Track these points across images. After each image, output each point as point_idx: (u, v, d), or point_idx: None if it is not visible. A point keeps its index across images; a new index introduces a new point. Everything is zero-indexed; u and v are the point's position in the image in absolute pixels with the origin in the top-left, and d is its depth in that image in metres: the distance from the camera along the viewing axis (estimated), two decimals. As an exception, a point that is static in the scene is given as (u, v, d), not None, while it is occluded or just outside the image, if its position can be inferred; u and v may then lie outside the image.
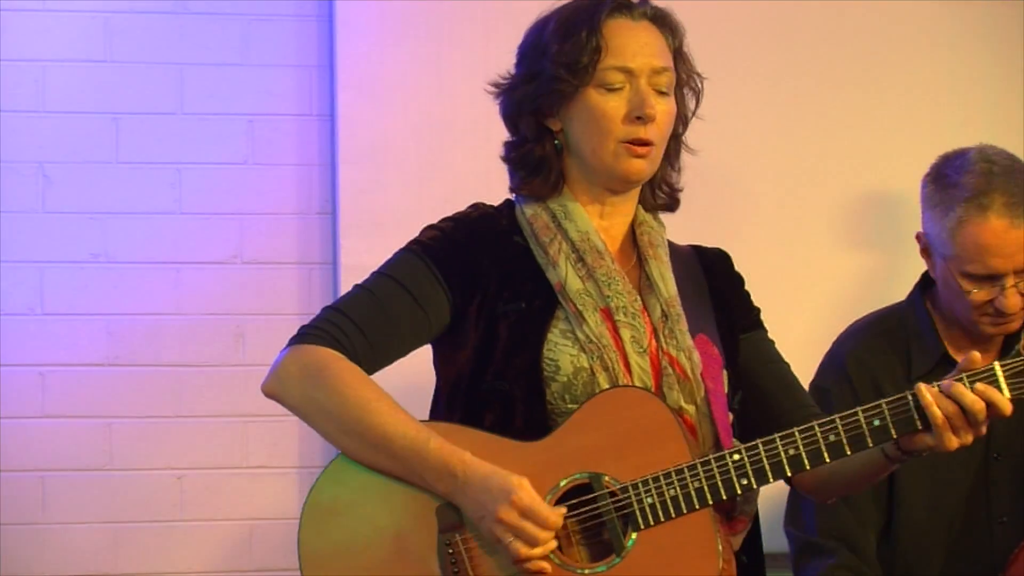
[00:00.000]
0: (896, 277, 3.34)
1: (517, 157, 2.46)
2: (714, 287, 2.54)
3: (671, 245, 2.53)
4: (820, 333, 3.25)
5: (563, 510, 2.22)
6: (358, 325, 2.37)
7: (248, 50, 3.88)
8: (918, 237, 3.03)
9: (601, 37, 2.38)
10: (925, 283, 3.11)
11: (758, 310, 2.58)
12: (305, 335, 2.37)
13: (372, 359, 2.37)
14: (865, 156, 3.92)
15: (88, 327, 3.80)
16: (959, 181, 2.91)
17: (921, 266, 3.10)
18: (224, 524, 3.84)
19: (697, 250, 2.60)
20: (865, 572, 2.97)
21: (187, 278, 3.84)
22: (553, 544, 2.21)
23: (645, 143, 2.38)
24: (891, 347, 3.06)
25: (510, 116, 2.47)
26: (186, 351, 3.83)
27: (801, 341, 3.61)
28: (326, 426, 2.33)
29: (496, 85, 2.49)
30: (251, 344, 3.83)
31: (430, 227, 2.47)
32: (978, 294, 2.91)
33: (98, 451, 3.80)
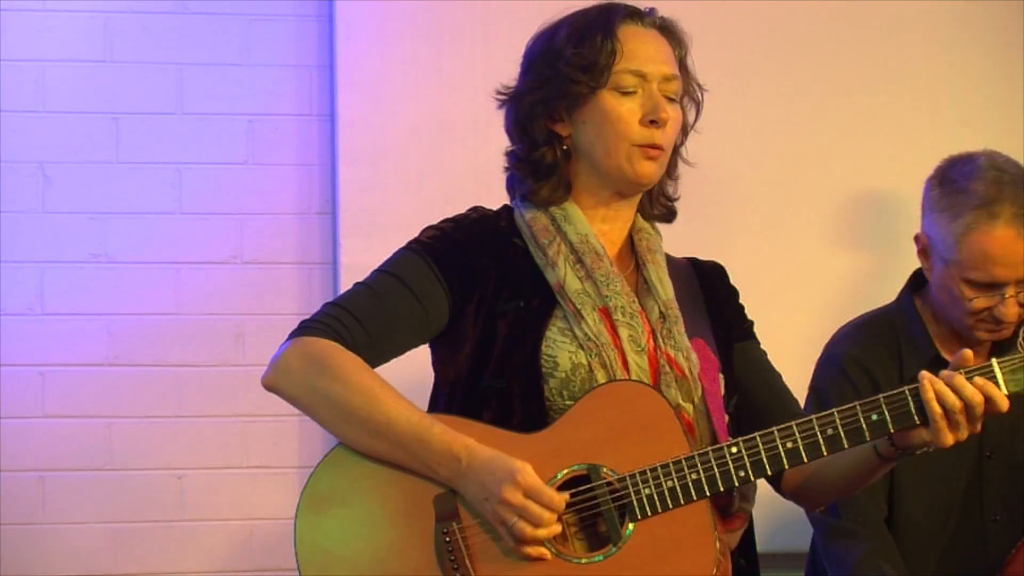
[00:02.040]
0: (890, 277, 3.34)
1: (528, 164, 2.48)
2: (710, 298, 2.56)
3: (668, 257, 2.55)
4: (815, 333, 3.26)
5: (566, 495, 2.23)
6: (359, 319, 2.38)
7: (248, 50, 3.88)
8: (917, 238, 3.03)
9: (617, 40, 2.41)
10: (914, 284, 3.10)
11: (751, 322, 2.60)
12: (306, 328, 2.39)
13: (372, 353, 2.38)
14: (863, 157, 3.92)
15: (88, 327, 3.81)
16: (968, 187, 2.91)
17: (915, 265, 3.10)
18: (224, 524, 3.84)
19: (693, 263, 2.63)
20: (898, 561, 2.96)
21: (187, 278, 3.84)
22: (557, 527, 2.22)
23: (656, 147, 2.40)
24: (883, 349, 3.05)
25: (520, 122, 2.48)
26: (186, 351, 3.84)
27: (796, 341, 3.62)
28: (327, 415, 2.34)
29: (502, 93, 2.50)
30: (251, 344, 3.83)
31: (430, 227, 2.48)
32: (978, 301, 2.91)
33: (98, 451, 3.80)
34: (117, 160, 3.84)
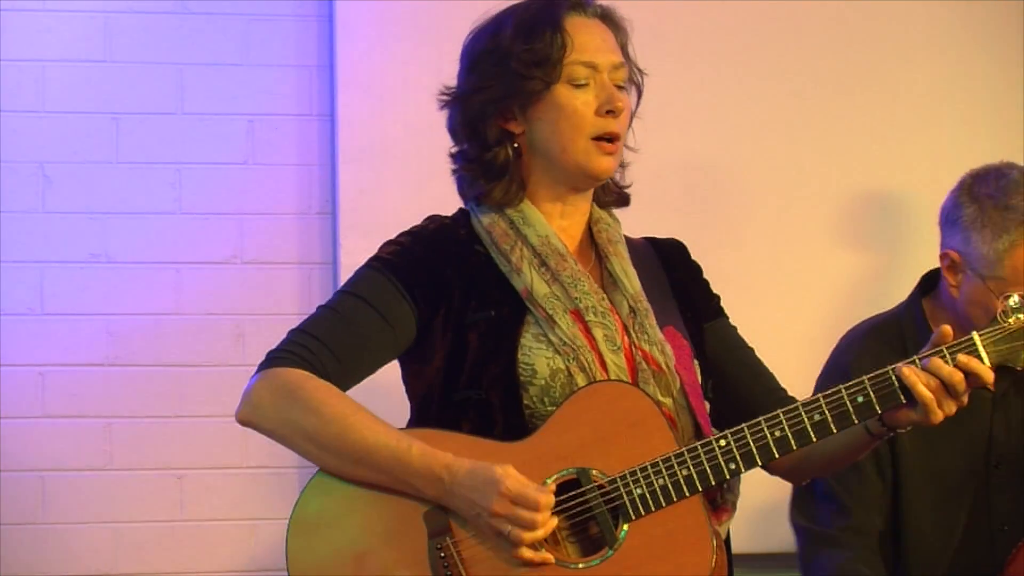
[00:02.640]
0: (893, 277, 3.34)
1: (478, 165, 2.45)
2: (674, 279, 2.54)
3: (627, 240, 2.53)
4: (818, 333, 3.26)
5: (552, 487, 2.22)
6: (325, 344, 2.35)
7: (248, 50, 3.88)
8: (944, 256, 2.98)
9: (566, 33, 2.39)
10: (924, 287, 3.09)
11: (718, 297, 2.58)
12: (273, 359, 2.36)
13: (342, 377, 2.35)
14: (864, 157, 3.92)
15: (88, 327, 3.80)
16: (1010, 203, 2.88)
17: (920, 267, 3.09)
18: (224, 524, 3.84)
19: (652, 242, 2.60)
20: (881, 571, 2.96)
21: (187, 278, 3.84)
22: (553, 523, 2.21)
23: (614, 138, 2.39)
24: (890, 358, 3.04)
25: (469, 122, 2.46)
26: (186, 351, 3.83)
27: (799, 341, 3.63)
28: (306, 446, 2.32)
29: (444, 94, 2.49)
30: (251, 344, 3.83)
31: (389, 242, 2.45)
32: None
33: (98, 451, 3.80)
34: (117, 160, 3.84)
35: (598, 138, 2.38)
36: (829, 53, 3.92)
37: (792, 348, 3.62)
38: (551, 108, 2.39)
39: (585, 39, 2.41)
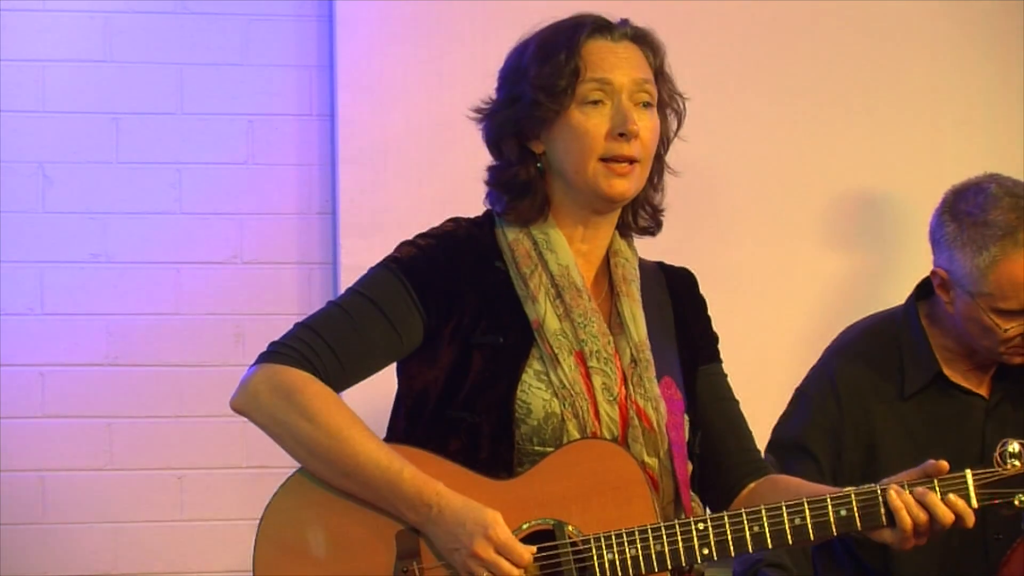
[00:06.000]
0: (884, 278, 3.34)
1: (502, 181, 2.43)
2: (679, 314, 2.53)
3: (639, 263, 2.51)
4: (808, 334, 3.25)
5: (533, 549, 2.22)
6: (330, 345, 2.34)
7: (248, 50, 3.88)
8: (934, 274, 2.98)
9: (580, 59, 2.36)
10: (920, 293, 3.08)
11: (717, 338, 2.57)
12: (275, 353, 2.35)
13: (342, 379, 2.35)
14: (859, 158, 3.92)
15: (88, 327, 3.81)
16: (988, 219, 2.88)
17: (911, 268, 3.09)
18: (224, 524, 3.84)
19: (664, 269, 2.58)
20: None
21: (187, 278, 3.84)
22: None
23: (627, 160, 2.35)
24: (884, 362, 3.04)
25: (493, 140, 2.45)
26: (186, 351, 3.84)
27: (788, 342, 3.62)
28: (295, 449, 2.32)
29: (479, 111, 2.47)
30: (251, 344, 3.82)
31: (407, 243, 2.43)
32: (1013, 329, 2.89)
33: (98, 451, 3.80)
34: (117, 160, 3.84)
35: (608, 159, 2.35)
36: (823, 54, 3.92)
37: (781, 349, 3.63)
38: (565, 129, 2.37)
39: (602, 59, 2.38)
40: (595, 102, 2.36)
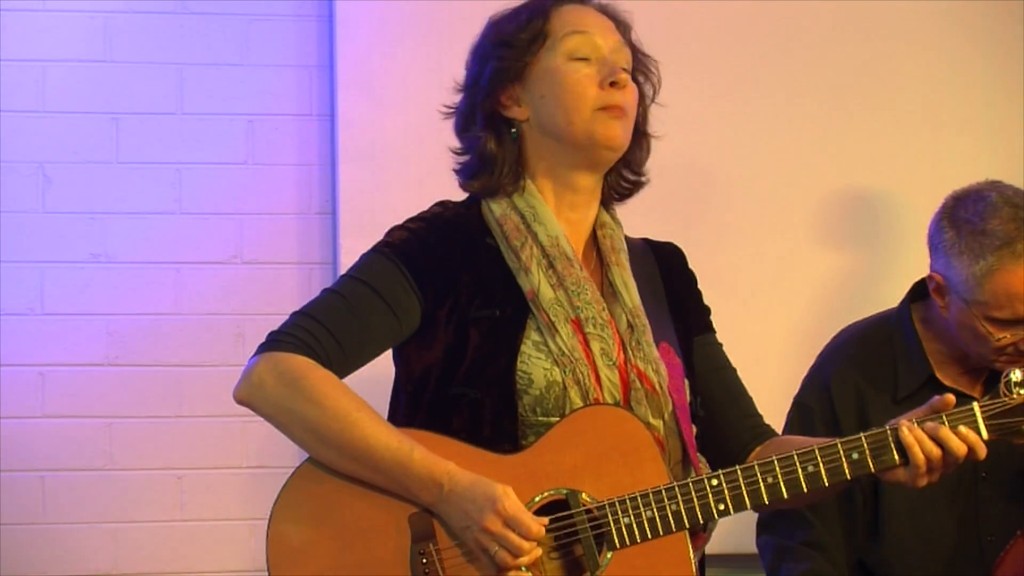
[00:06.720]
0: (879, 277, 3.33)
1: (473, 156, 2.45)
2: (670, 287, 2.54)
3: (627, 240, 2.52)
4: (802, 332, 3.25)
5: (545, 520, 2.21)
6: (330, 331, 2.34)
7: (248, 50, 3.88)
8: (930, 279, 2.98)
9: (550, 21, 2.40)
10: (915, 296, 3.08)
11: (709, 310, 2.58)
12: (276, 341, 2.35)
13: (344, 364, 2.35)
14: (851, 157, 3.92)
15: (88, 327, 3.81)
16: (987, 228, 2.88)
17: (907, 268, 3.09)
18: (224, 524, 3.84)
19: (650, 245, 2.59)
20: None
21: (187, 278, 3.84)
22: (538, 552, 2.20)
23: (619, 108, 2.37)
24: (878, 366, 3.03)
25: (463, 114, 2.47)
26: (186, 351, 3.84)
27: (783, 340, 3.62)
28: (304, 436, 2.31)
29: (447, 107, 2.50)
30: (251, 344, 3.74)
31: (399, 228, 2.45)
32: (1006, 338, 2.89)
33: (98, 451, 3.80)
34: (117, 160, 3.84)
35: (602, 109, 2.37)
36: (821, 53, 3.92)
37: (777, 348, 3.62)
38: (552, 82, 2.38)
39: (579, 18, 2.41)
40: (583, 59, 2.38)
